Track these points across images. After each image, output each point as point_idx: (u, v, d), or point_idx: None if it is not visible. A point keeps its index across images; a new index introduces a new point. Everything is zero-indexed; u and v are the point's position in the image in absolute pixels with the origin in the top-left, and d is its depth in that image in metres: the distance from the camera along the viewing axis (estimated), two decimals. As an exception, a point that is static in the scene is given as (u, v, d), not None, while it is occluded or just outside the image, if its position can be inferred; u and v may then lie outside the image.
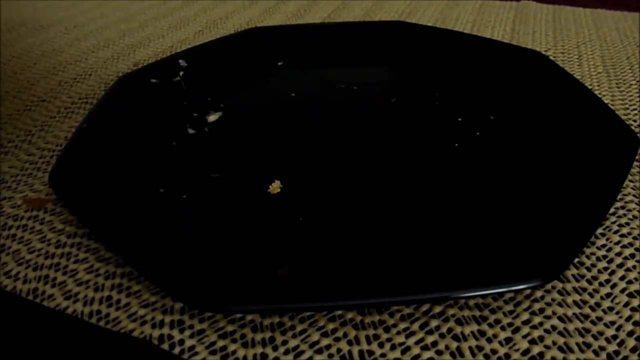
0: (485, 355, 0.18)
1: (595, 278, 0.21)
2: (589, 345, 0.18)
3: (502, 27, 0.46)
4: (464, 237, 0.22)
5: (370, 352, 0.18)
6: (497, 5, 0.52)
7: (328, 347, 0.18)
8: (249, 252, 0.22)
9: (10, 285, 0.21)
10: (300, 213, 0.24)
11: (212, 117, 0.32)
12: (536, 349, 0.18)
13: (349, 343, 0.19)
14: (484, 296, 0.19)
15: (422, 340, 0.19)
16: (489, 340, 0.19)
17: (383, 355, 0.18)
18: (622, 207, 0.25)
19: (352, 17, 0.49)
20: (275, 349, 0.18)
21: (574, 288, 0.20)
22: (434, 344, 0.18)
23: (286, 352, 0.18)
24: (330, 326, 0.19)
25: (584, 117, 0.29)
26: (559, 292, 0.20)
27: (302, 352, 0.18)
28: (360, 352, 0.18)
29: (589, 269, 0.21)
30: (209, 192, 0.25)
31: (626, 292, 0.20)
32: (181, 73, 0.36)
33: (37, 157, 0.29)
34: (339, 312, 0.20)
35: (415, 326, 0.19)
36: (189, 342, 0.19)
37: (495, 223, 0.23)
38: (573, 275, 0.21)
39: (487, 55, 0.37)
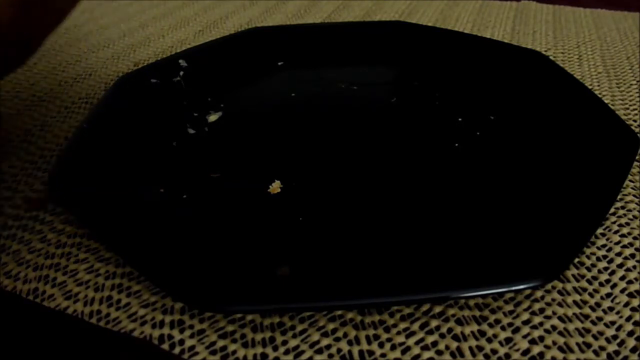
0: (485, 355, 0.18)
1: (595, 278, 0.21)
2: (589, 345, 0.18)
3: (502, 27, 0.46)
4: (464, 238, 0.22)
5: (370, 352, 0.18)
6: (497, 5, 0.52)
7: (328, 347, 0.18)
8: (249, 252, 0.22)
9: (10, 285, 0.21)
10: (300, 213, 0.24)
11: (212, 117, 0.32)
12: (536, 349, 0.18)
13: (349, 343, 0.19)
14: (484, 296, 0.19)
15: (422, 340, 0.19)
16: (489, 340, 0.19)
17: (383, 355, 0.18)
18: (622, 207, 0.25)
19: (352, 17, 0.49)
20: (275, 349, 0.18)
21: (574, 288, 0.20)
22: (434, 344, 0.18)
23: (286, 352, 0.18)
24: (330, 326, 0.19)
25: (584, 118, 0.29)
26: (559, 292, 0.20)
27: (302, 352, 0.18)
28: (360, 352, 0.18)
29: (589, 269, 0.21)
30: (209, 192, 0.25)
31: (626, 292, 0.20)
32: (181, 73, 0.36)
33: (37, 157, 0.29)
34: (339, 312, 0.20)
35: (416, 326, 0.19)
36: (189, 342, 0.19)
37: (495, 223, 0.23)
38: (573, 275, 0.21)
39: (487, 55, 0.37)
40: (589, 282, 0.21)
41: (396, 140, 0.29)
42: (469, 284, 0.19)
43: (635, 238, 0.23)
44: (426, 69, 0.37)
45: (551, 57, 0.40)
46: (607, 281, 0.21)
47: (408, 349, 0.18)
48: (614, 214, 0.24)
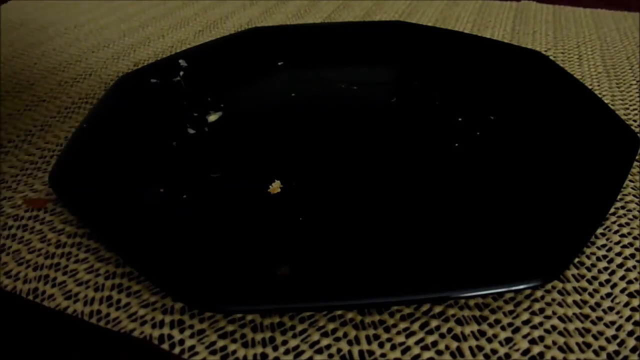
0: (485, 355, 0.18)
1: (595, 278, 0.21)
2: (589, 345, 0.18)
3: (502, 27, 0.46)
4: (464, 237, 0.22)
5: (370, 352, 0.18)
6: (497, 5, 0.52)
7: (328, 347, 0.18)
8: (249, 252, 0.22)
9: (10, 285, 0.21)
10: (300, 213, 0.24)
11: (212, 117, 0.32)
12: (536, 349, 0.18)
13: (349, 343, 0.19)
14: (484, 296, 0.19)
15: (422, 340, 0.19)
16: (489, 340, 0.19)
17: (383, 355, 0.18)
18: (622, 207, 0.25)
19: (352, 17, 0.49)
20: (275, 349, 0.18)
21: (574, 288, 0.20)
22: (434, 344, 0.18)
23: (286, 352, 0.18)
24: (330, 326, 0.19)
25: (584, 117, 0.29)
26: (559, 292, 0.20)
27: (302, 352, 0.18)
28: (360, 352, 0.18)
29: (589, 269, 0.21)
30: (209, 192, 0.25)
31: (626, 292, 0.20)
32: (181, 73, 0.36)
33: (37, 157, 0.29)
34: (339, 312, 0.20)
35: (415, 326, 0.19)
36: (189, 342, 0.19)
37: (495, 223, 0.23)
38: (573, 275, 0.21)
39: (487, 55, 0.37)
40: (589, 282, 0.21)
41: (396, 140, 0.29)
42: (469, 284, 0.19)
43: (635, 238, 0.23)
44: (426, 69, 0.37)
45: (551, 57, 0.40)
46: (607, 281, 0.21)
47: (408, 349, 0.18)
48: (614, 214, 0.24)
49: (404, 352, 0.18)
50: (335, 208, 0.24)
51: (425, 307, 0.20)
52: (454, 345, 0.18)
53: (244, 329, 0.19)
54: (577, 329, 0.19)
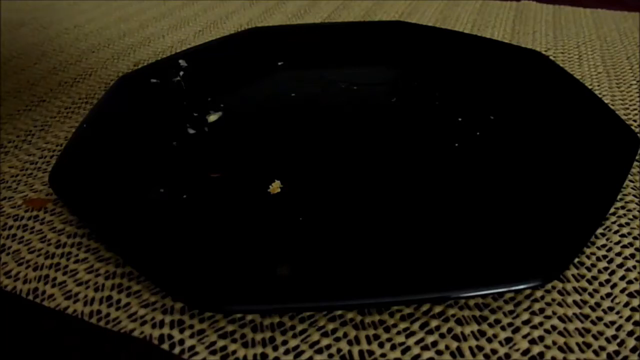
0: (485, 355, 0.18)
1: (595, 278, 0.21)
2: (589, 345, 0.18)
3: (502, 27, 0.46)
4: (464, 237, 0.22)
5: (370, 352, 0.18)
6: (497, 5, 0.52)
7: (328, 347, 0.18)
8: (249, 252, 0.22)
9: (10, 285, 0.21)
10: (300, 213, 0.24)
11: (212, 117, 0.32)
12: (536, 349, 0.18)
13: (349, 343, 0.19)
14: (484, 296, 0.19)
15: (422, 340, 0.19)
16: (489, 340, 0.19)
17: (383, 355, 0.18)
18: (622, 207, 0.25)
19: (352, 17, 0.49)
20: (275, 349, 0.18)
21: (574, 288, 0.20)
22: (434, 344, 0.18)
23: (286, 352, 0.18)
24: (330, 326, 0.19)
25: (584, 117, 0.29)
26: (559, 292, 0.20)
27: (302, 352, 0.18)
28: (360, 352, 0.18)
29: (589, 269, 0.21)
30: (209, 192, 0.25)
31: (626, 292, 0.20)
32: (181, 73, 0.36)
33: (37, 157, 0.29)
34: (339, 312, 0.20)
35: (415, 326, 0.19)
36: (189, 342, 0.19)
37: (495, 223, 0.23)
38: (573, 275, 0.21)
39: (487, 55, 0.37)
40: (589, 282, 0.21)
41: (396, 140, 0.29)
42: (469, 284, 0.19)
43: (635, 238, 0.23)
44: (426, 69, 0.37)
45: (551, 57, 0.40)
46: (607, 281, 0.21)
47: (408, 349, 0.18)
48: (614, 214, 0.24)
49: (404, 352, 0.18)
50: (335, 208, 0.24)
51: (425, 307, 0.20)
52: (454, 345, 0.18)
53: (244, 329, 0.19)
54: (577, 329, 0.19)
